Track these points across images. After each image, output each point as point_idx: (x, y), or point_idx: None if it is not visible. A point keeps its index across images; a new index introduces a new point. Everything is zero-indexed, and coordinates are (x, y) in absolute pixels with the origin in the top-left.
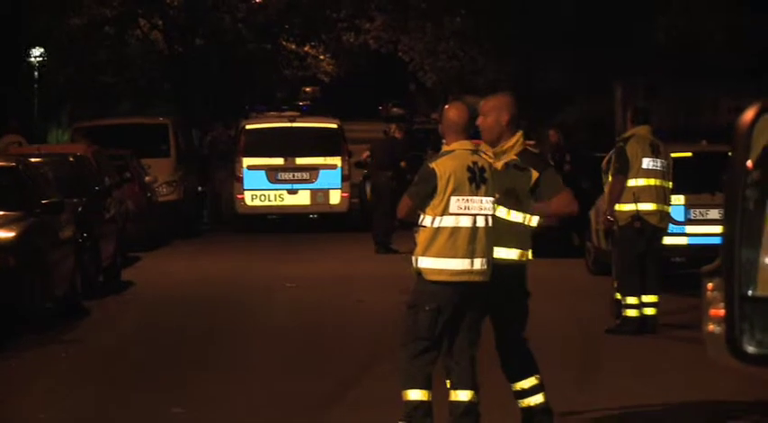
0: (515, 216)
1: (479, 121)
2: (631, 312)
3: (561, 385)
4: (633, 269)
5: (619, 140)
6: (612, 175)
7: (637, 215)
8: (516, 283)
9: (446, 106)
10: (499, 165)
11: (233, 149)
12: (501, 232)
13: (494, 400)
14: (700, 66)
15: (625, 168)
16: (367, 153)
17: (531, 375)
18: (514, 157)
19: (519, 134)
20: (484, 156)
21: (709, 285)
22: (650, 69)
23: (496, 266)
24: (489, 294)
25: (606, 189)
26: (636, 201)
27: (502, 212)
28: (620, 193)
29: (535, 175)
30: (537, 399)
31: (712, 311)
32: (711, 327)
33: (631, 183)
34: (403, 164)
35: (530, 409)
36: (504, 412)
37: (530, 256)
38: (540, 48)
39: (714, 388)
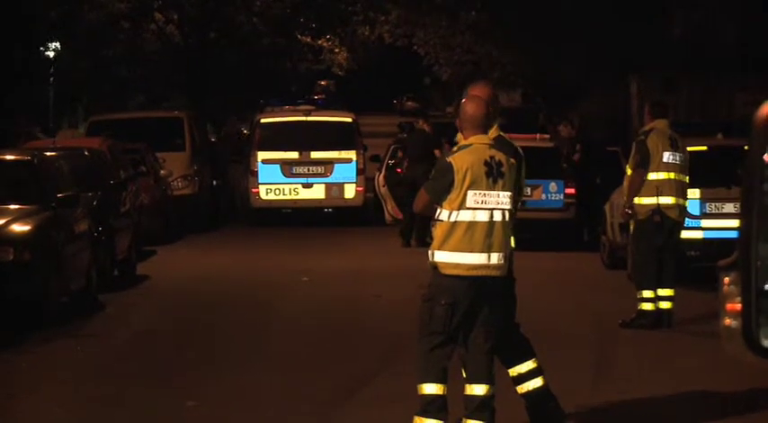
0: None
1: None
2: (647, 306)
3: (575, 378)
4: (651, 263)
5: (639, 134)
6: (633, 169)
7: (657, 209)
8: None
9: (463, 100)
10: None
11: (239, 143)
12: None
13: (510, 395)
14: (715, 59)
15: (646, 162)
16: (401, 154)
17: (528, 359)
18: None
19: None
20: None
21: (726, 279)
22: (667, 63)
23: None
24: (502, 287)
25: (625, 182)
26: (658, 194)
27: None
28: (639, 187)
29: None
30: (535, 382)
31: (729, 306)
32: (728, 321)
33: (652, 176)
34: (437, 152)
35: (529, 393)
36: (520, 407)
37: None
38: (556, 41)
39: (729, 382)
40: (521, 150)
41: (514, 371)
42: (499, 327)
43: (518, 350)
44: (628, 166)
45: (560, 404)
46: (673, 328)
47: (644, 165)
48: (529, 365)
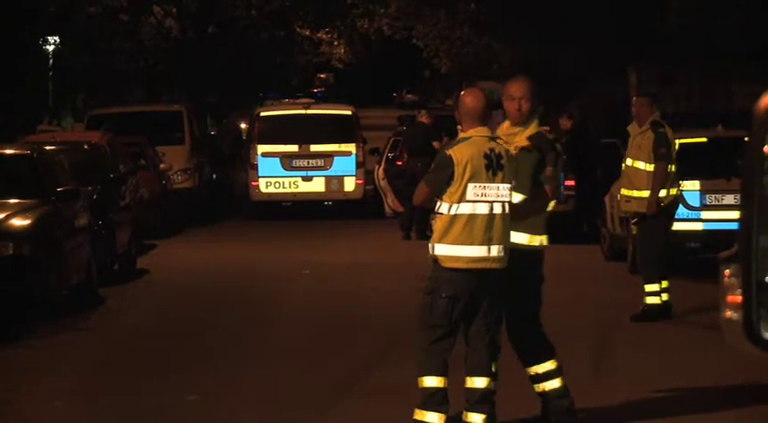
0: (516, 198)
1: (505, 104)
2: (653, 300)
3: (575, 369)
4: (659, 256)
5: (656, 126)
6: (660, 161)
7: (675, 200)
8: (528, 269)
9: (462, 93)
10: (512, 148)
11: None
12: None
13: (509, 388)
14: (713, 50)
15: (671, 154)
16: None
17: (547, 360)
18: (525, 140)
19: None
20: (500, 141)
21: (727, 272)
22: (664, 55)
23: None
24: (503, 280)
25: (628, 175)
26: (672, 186)
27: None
28: (665, 179)
29: (537, 156)
30: (552, 384)
31: (730, 298)
32: (729, 313)
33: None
34: (437, 144)
35: (545, 393)
36: (520, 400)
37: (544, 242)
38: (554, 33)
39: (729, 374)
40: (559, 146)
41: (532, 370)
42: (500, 319)
43: (537, 350)
44: (631, 159)
45: (574, 404)
46: (673, 319)
47: (670, 157)
48: (547, 366)
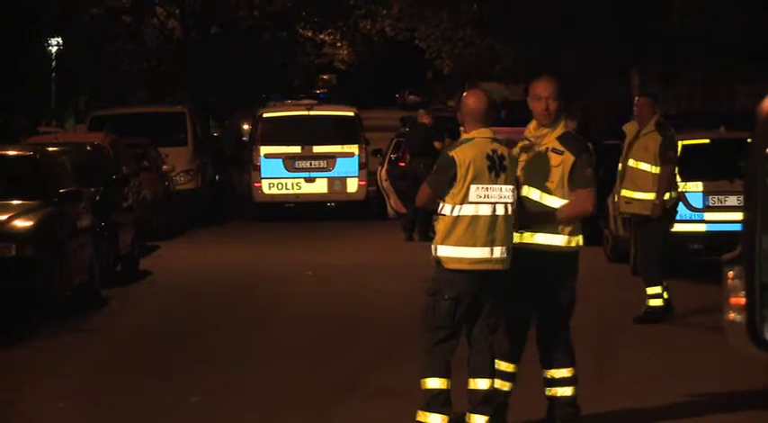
0: (550, 201)
1: (531, 104)
2: (656, 302)
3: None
4: (661, 258)
5: (663, 128)
6: (668, 164)
7: (676, 203)
8: (566, 271)
9: (465, 94)
10: (542, 148)
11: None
12: (540, 217)
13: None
14: (715, 50)
15: (677, 157)
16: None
17: (567, 367)
18: (555, 141)
19: (564, 121)
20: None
21: (730, 274)
22: (667, 55)
23: (540, 253)
24: (538, 280)
25: (631, 176)
26: (673, 188)
27: (536, 196)
28: (672, 183)
29: (571, 158)
30: (565, 391)
31: (733, 300)
32: (732, 315)
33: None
34: (438, 145)
35: (555, 398)
36: (526, 401)
37: (580, 242)
38: (557, 35)
39: (731, 376)
40: (591, 146)
41: (549, 373)
42: (500, 320)
43: (560, 355)
44: (634, 160)
45: (581, 412)
46: (673, 318)
47: (676, 160)
48: (564, 373)
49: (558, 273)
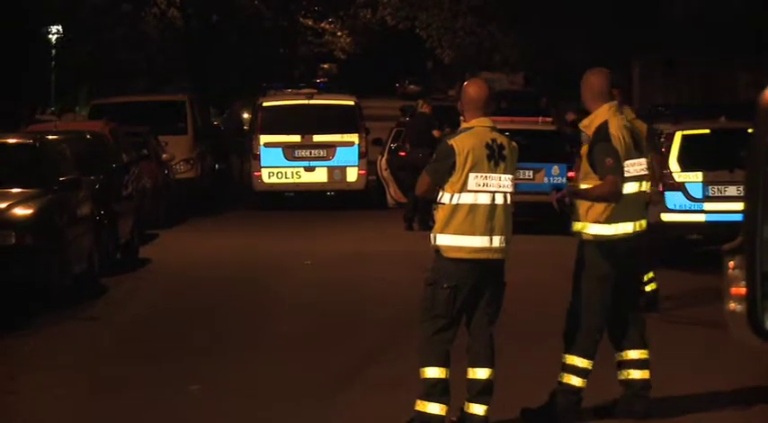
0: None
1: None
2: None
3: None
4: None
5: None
6: (658, 153)
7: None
8: (632, 255)
9: (465, 83)
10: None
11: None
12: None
13: (507, 378)
14: (717, 41)
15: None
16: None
17: (639, 348)
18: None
19: (604, 107)
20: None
21: (731, 264)
22: (668, 45)
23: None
24: (633, 263)
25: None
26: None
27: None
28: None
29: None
30: (639, 373)
31: (734, 290)
32: (733, 305)
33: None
34: (436, 133)
35: (629, 382)
36: (518, 390)
37: (643, 226)
38: (557, 24)
39: (730, 368)
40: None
41: (622, 355)
42: (500, 308)
43: (630, 335)
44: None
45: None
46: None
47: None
48: (638, 354)
49: (632, 256)
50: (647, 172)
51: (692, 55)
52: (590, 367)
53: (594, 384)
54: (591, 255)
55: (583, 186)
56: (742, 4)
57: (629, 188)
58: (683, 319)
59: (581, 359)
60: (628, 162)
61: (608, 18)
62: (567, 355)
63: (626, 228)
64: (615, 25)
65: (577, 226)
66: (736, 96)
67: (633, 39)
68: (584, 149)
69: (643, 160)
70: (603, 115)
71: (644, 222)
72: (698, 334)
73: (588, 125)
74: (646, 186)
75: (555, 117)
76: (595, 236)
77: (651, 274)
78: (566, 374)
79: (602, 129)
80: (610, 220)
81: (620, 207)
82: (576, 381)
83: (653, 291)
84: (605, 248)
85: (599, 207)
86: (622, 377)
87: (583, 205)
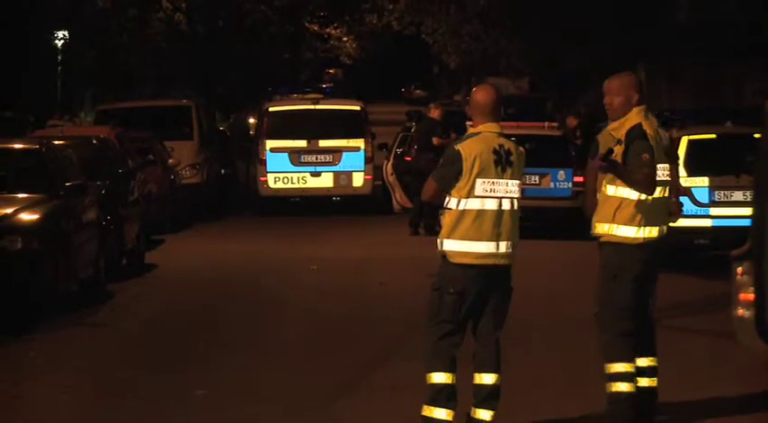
0: (622, 192)
1: (606, 100)
2: None
3: (582, 365)
4: None
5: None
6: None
7: None
8: (654, 259)
9: (474, 89)
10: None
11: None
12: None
13: (514, 384)
14: (722, 46)
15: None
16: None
17: (649, 355)
18: (621, 134)
19: (634, 111)
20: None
21: (739, 270)
22: (673, 50)
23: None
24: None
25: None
26: None
27: (611, 191)
28: None
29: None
30: (646, 381)
31: (742, 296)
32: (741, 311)
33: None
34: (436, 141)
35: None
36: (525, 395)
37: (665, 231)
38: (562, 30)
39: (735, 374)
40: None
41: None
42: (507, 314)
43: (641, 342)
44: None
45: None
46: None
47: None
48: (647, 361)
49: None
50: (669, 178)
51: (695, 59)
52: (633, 370)
53: (597, 386)
54: (617, 257)
55: (611, 188)
56: (741, 7)
57: (656, 192)
58: (690, 327)
59: (622, 364)
60: (658, 165)
61: (611, 23)
62: (607, 365)
63: (651, 232)
64: (618, 30)
65: (603, 228)
66: (741, 101)
67: (636, 43)
68: (619, 149)
69: (667, 166)
70: (635, 119)
71: (665, 228)
72: (703, 341)
73: (618, 128)
74: (667, 192)
75: (559, 122)
76: (622, 238)
77: None
78: (612, 384)
79: (637, 128)
80: (637, 222)
81: (646, 210)
82: (624, 387)
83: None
84: (630, 251)
85: (627, 210)
86: None
87: (610, 207)
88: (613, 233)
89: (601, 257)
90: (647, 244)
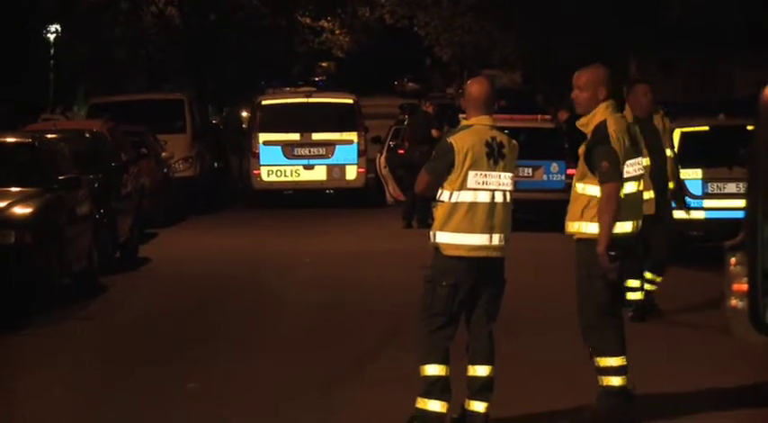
0: (591, 190)
1: (574, 94)
2: (634, 295)
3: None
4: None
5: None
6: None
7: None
8: (628, 255)
9: (468, 81)
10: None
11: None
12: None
13: (508, 376)
14: (715, 39)
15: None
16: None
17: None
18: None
19: (601, 106)
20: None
21: (732, 260)
22: (665, 43)
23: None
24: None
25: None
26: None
27: (579, 188)
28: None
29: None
30: (617, 380)
31: (735, 286)
32: (734, 302)
33: None
34: (435, 132)
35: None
36: (518, 388)
37: (640, 226)
38: (554, 23)
39: (729, 368)
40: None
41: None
42: (500, 306)
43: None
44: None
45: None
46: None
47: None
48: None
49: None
50: (643, 171)
51: (688, 52)
52: (625, 363)
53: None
54: (590, 254)
55: (579, 186)
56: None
57: (629, 188)
58: (682, 319)
59: (613, 358)
60: (627, 162)
61: (604, 16)
62: (597, 359)
63: (624, 227)
64: (612, 24)
65: (573, 226)
66: (733, 93)
67: (630, 37)
68: (582, 149)
69: (641, 159)
70: (601, 115)
71: (641, 222)
72: (696, 333)
73: (586, 124)
74: (642, 186)
75: (551, 115)
76: (591, 235)
77: (638, 283)
78: (604, 377)
79: (601, 129)
80: None
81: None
82: (615, 381)
83: (646, 298)
84: None
85: (596, 207)
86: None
87: (578, 205)
88: (583, 231)
89: (575, 256)
90: (620, 240)
